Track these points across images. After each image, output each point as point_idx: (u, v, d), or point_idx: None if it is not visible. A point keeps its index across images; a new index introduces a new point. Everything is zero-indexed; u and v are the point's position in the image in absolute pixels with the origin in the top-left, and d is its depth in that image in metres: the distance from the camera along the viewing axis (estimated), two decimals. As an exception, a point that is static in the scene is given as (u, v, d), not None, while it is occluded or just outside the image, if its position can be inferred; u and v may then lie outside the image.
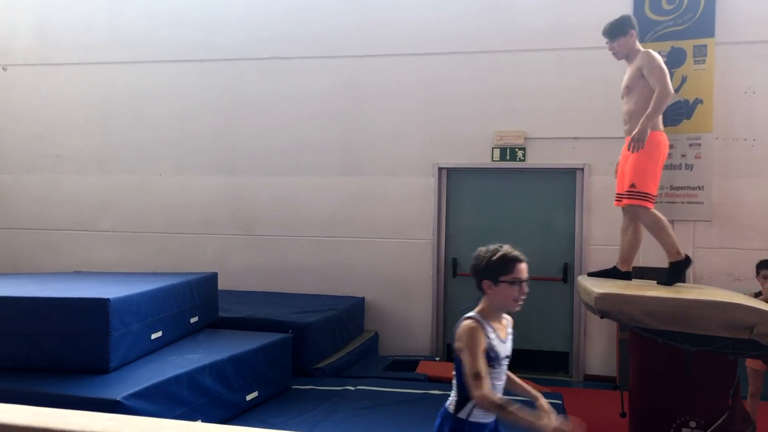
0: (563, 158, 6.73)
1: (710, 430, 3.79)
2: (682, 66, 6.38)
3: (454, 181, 7.08)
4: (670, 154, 6.33)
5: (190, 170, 7.60)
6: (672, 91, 4.39)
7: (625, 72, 4.66)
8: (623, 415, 4.31)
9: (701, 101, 6.33)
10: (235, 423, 4.32)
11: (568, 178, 6.80)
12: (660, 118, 4.49)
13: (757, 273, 5.09)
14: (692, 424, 3.89)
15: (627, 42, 4.59)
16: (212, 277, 5.67)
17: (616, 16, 4.67)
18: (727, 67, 6.33)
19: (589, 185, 6.66)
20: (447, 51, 6.94)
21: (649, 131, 4.33)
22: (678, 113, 6.38)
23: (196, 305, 5.25)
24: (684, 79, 6.36)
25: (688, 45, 6.37)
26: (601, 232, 6.60)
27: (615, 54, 4.67)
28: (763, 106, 6.30)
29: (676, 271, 4.42)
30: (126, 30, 7.74)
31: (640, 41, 6.42)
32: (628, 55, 4.63)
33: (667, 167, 6.35)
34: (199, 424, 1.70)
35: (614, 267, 4.61)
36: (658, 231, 4.42)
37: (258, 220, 7.42)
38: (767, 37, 6.29)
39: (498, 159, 6.86)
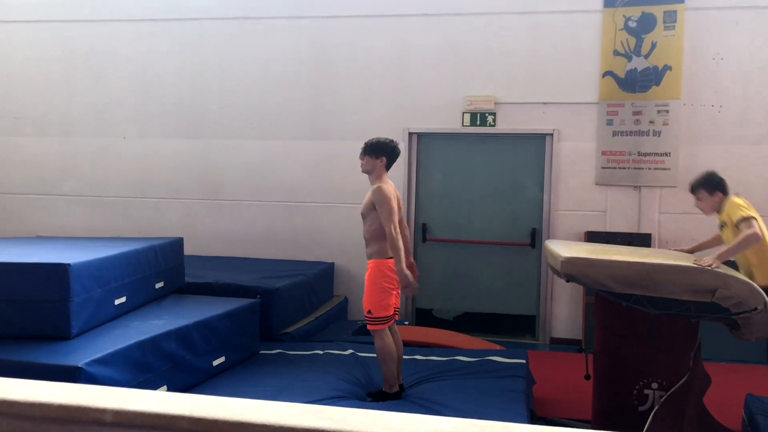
0: (533, 123, 6.71)
1: (672, 390, 3.86)
2: (652, 32, 6.37)
3: (424, 146, 7.03)
4: (638, 120, 6.42)
5: (155, 133, 7.43)
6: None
7: None
8: (588, 377, 4.37)
9: (670, 68, 6.34)
10: (201, 388, 4.31)
11: (537, 143, 6.80)
12: (390, 246, 4.27)
13: None
14: (654, 385, 3.96)
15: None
16: (178, 242, 5.59)
17: None
18: (696, 33, 6.33)
19: (558, 151, 6.66)
20: (417, 13, 6.83)
21: (378, 260, 4.32)
22: (647, 80, 6.39)
23: (161, 270, 5.17)
24: (654, 45, 6.36)
25: (658, 10, 6.35)
26: (569, 197, 6.64)
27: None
28: (730, 73, 6.33)
29: (382, 397, 4.34)
30: (86, -13, 7.47)
31: (612, 5, 6.44)
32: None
33: (634, 133, 6.42)
34: (153, 392, 1.66)
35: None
36: (383, 358, 4.34)
37: (224, 185, 7.30)
38: (736, 2, 6.30)
39: (468, 124, 6.82)
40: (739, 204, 4.19)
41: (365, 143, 4.51)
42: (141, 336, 4.02)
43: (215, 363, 4.64)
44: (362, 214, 4.44)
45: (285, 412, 1.48)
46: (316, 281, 6.50)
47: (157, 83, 7.38)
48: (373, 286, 4.35)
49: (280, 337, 5.61)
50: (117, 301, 4.50)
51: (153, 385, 3.95)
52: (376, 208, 4.32)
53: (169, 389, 4.04)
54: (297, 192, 7.16)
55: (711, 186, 4.33)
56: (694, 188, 4.41)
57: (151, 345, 4.05)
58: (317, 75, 7.08)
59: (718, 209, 4.36)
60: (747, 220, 4.06)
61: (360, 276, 7.01)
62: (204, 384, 4.43)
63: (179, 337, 4.30)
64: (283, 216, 7.18)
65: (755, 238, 4.03)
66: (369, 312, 4.34)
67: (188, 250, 5.94)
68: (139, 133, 7.47)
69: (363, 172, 4.52)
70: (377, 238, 4.33)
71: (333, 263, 7.03)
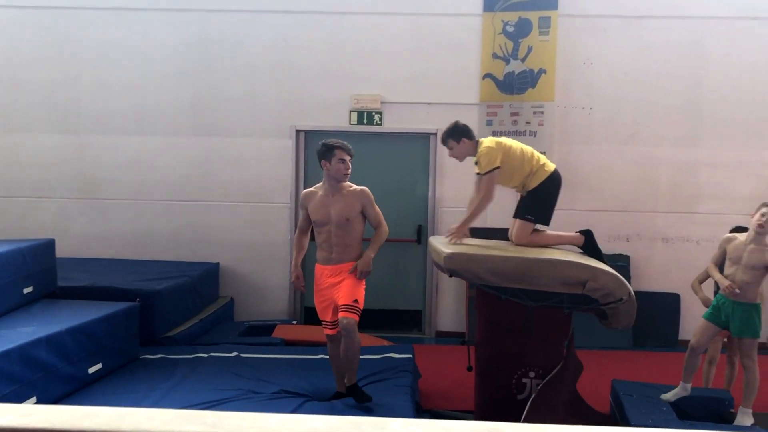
0: (418, 123, 6.85)
1: (547, 378, 4.06)
2: (528, 36, 6.66)
3: (312, 143, 6.99)
4: (516, 121, 6.70)
5: (23, 127, 6.94)
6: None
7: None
8: (470, 368, 4.52)
9: (545, 71, 6.66)
10: (75, 398, 4.10)
11: (422, 142, 6.94)
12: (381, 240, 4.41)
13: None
14: (531, 374, 4.16)
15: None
16: (49, 244, 5.27)
17: None
18: (568, 38, 6.68)
19: (441, 149, 6.75)
20: (303, 10, 6.78)
21: None
22: (524, 82, 6.67)
23: (30, 274, 4.86)
24: (530, 50, 6.65)
25: (534, 16, 6.65)
26: (452, 194, 6.81)
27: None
28: (600, 77, 6.73)
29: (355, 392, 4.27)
30: (-60, -32, 6.87)
31: (491, 10, 6.67)
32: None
33: (512, 134, 6.69)
34: (12, 405, 1.56)
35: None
36: (356, 357, 4.27)
37: (102, 183, 6.94)
38: (604, 11, 6.69)
39: (355, 122, 6.86)
40: (486, 153, 4.36)
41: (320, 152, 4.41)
42: (6, 345, 3.76)
43: (91, 370, 4.42)
44: (347, 219, 4.21)
45: (158, 419, 1.43)
46: (200, 282, 6.31)
47: (26, 74, 6.90)
48: (360, 279, 4.31)
49: (162, 341, 5.42)
50: (-21, 309, 4.18)
51: (20, 398, 3.70)
52: (362, 212, 4.26)
53: (39, 401, 3.80)
54: (179, 190, 6.92)
55: (456, 134, 4.50)
56: (444, 140, 4.59)
57: (19, 354, 3.80)
58: (200, 70, 6.87)
59: (474, 156, 4.52)
60: (487, 177, 4.33)
61: (246, 276, 6.96)
62: (78, 393, 4.21)
63: (50, 344, 4.06)
64: (164, 215, 6.92)
65: (488, 201, 4.35)
66: (355, 301, 4.24)
67: (62, 252, 5.62)
68: (4, 126, 6.96)
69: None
70: (360, 241, 4.33)
71: (218, 263, 6.86)
